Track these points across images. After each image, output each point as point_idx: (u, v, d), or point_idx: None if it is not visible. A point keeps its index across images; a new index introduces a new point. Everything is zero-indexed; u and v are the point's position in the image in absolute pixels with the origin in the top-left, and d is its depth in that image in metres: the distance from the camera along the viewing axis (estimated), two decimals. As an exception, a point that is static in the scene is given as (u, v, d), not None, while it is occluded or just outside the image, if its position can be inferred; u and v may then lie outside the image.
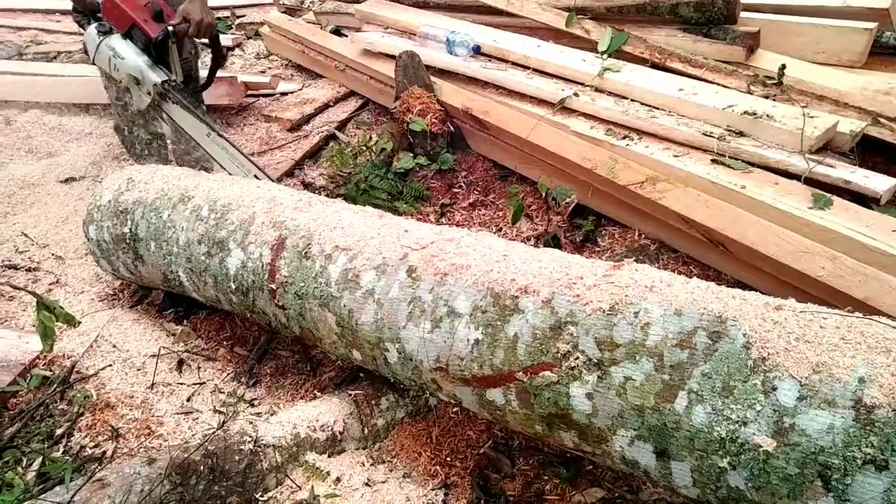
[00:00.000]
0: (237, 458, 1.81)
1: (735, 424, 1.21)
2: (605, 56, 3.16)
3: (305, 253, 1.92)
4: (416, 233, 1.82)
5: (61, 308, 1.98)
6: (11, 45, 5.93)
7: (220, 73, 4.52)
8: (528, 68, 3.30)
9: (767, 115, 2.52)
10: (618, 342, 1.37)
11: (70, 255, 3.15)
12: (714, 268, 2.41)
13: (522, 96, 3.18)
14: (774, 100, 2.68)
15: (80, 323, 2.62)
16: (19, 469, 2.08)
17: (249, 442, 1.84)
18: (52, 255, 3.17)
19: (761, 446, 1.18)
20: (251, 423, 1.92)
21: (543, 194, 2.44)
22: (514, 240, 2.89)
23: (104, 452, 2.09)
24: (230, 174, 2.69)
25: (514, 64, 3.38)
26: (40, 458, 1.95)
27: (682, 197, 2.33)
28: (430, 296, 1.66)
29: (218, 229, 2.17)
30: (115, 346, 2.50)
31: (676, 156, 2.55)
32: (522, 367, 1.49)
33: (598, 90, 3.01)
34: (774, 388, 1.19)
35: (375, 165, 3.23)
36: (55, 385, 2.35)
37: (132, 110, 3.04)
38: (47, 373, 2.44)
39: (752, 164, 2.42)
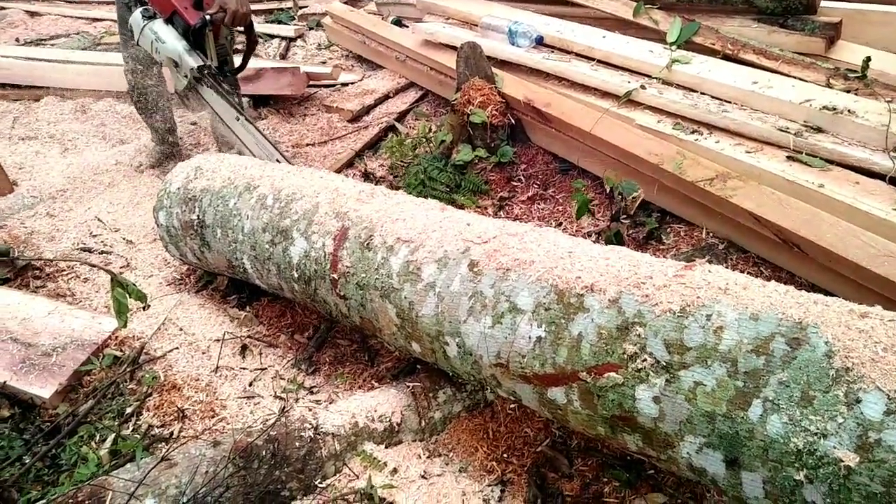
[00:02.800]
0: (298, 444, 1.84)
1: (814, 437, 1.15)
2: (673, 47, 3.06)
3: (367, 244, 1.94)
4: (479, 227, 1.80)
5: (134, 286, 2.06)
6: (87, 36, 6.19)
7: (283, 64, 4.61)
8: (593, 60, 3.23)
9: (849, 111, 2.39)
10: (688, 345, 1.33)
11: (140, 240, 3.27)
12: (788, 270, 2.31)
13: (586, 88, 3.11)
14: (856, 94, 2.54)
15: (149, 305, 2.73)
16: (93, 444, 2.18)
17: (310, 429, 1.87)
18: (124, 239, 3.29)
19: (842, 461, 1.12)
20: (311, 410, 1.95)
21: (609, 189, 2.38)
22: (576, 236, 2.85)
23: (171, 433, 2.17)
24: (255, 156, 2.89)
25: (578, 55, 3.32)
26: (112, 436, 2.03)
27: (755, 195, 2.24)
28: (491, 291, 1.64)
29: (282, 218, 2.20)
30: (181, 329, 2.59)
31: (749, 152, 2.45)
32: (586, 366, 1.46)
33: (665, 83, 2.92)
34: (858, 401, 1.13)
35: (434, 157, 3.22)
36: (125, 365, 2.45)
37: (170, 90, 3.23)
38: (118, 353, 2.55)
39: (831, 162, 2.30)
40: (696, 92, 2.80)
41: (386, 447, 1.95)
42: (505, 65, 3.46)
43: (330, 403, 2.09)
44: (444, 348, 1.78)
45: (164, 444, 2.13)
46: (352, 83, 4.65)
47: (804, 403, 1.18)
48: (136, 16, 2.96)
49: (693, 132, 2.62)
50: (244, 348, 2.45)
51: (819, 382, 1.18)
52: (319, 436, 1.87)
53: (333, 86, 4.69)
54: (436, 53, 3.88)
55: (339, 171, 3.63)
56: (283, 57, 5.40)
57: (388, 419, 1.95)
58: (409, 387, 2.03)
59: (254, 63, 4.75)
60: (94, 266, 2.29)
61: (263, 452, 1.78)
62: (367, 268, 1.92)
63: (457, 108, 3.22)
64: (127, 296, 2.04)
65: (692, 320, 1.34)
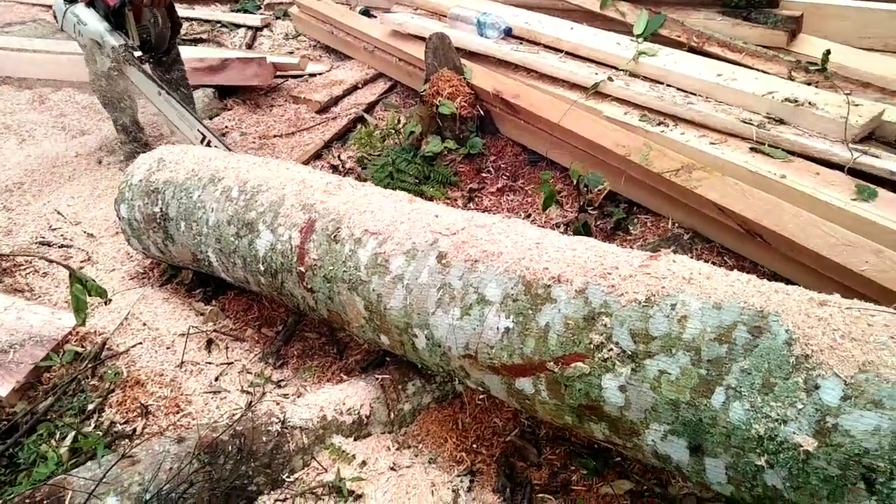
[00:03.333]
0: (265, 438, 1.82)
1: (774, 423, 1.18)
2: (640, 39, 3.08)
3: (335, 236, 1.91)
4: (447, 218, 1.79)
5: (93, 282, 2.00)
6: (44, 24, 5.99)
7: (249, 54, 4.53)
8: (561, 51, 3.24)
9: (809, 103, 2.44)
10: (653, 335, 1.34)
11: (101, 233, 3.19)
12: (751, 259, 2.35)
13: (555, 80, 3.12)
14: (817, 86, 2.60)
15: (111, 300, 2.66)
16: (53, 442, 2.12)
17: (277, 423, 1.85)
18: (84, 232, 3.21)
19: (802, 446, 1.14)
20: (279, 404, 1.92)
21: (575, 181, 2.39)
22: (544, 227, 2.86)
23: (134, 429, 2.12)
24: (179, 129, 3.19)
25: (546, 47, 3.33)
26: (73, 434, 1.98)
27: (719, 186, 2.27)
28: (460, 282, 1.64)
29: (247, 210, 2.17)
30: (145, 324, 2.53)
31: (713, 143, 2.48)
32: (553, 357, 1.46)
33: (632, 75, 2.95)
34: (817, 387, 1.15)
35: (403, 149, 3.20)
36: (87, 361, 2.39)
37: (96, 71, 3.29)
38: (79, 349, 2.48)
39: (793, 154, 2.34)
40: (663, 84, 2.83)
41: (355, 440, 1.93)
42: (474, 56, 3.45)
43: (298, 397, 2.07)
44: (413, 340, 1.77)
45: (127, 441, 2.09)
46: (319, 74, 4.60)
47: (765, 390, 1.20)
48: (58, 1, 3.11)
49: (659, 124, 2.65)
50: (209, 343, 2.41)
51: (779, 370, 1.20)
52: (287, 430, 1.85)
53: (301, 76, 4.62)
54: (404, 44, 3.85)
55: (306, 162, 3.59)
56: (250, 47, 5.31)
57: (356, 412, 1.93)
58: (377, 379, 2.02)
59: (219, 53, 4.67)
60: (52, 261, 2.22)
61: (229, 448, 1.75)
62: (334, 260, 1.90)
63: (426, 99, 3.20)
64: (86, 292, 2.00)
65: (657, 310, 1.35)
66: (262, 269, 2.13)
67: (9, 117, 4.59)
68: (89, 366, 2.37)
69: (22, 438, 2.15)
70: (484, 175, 3.26)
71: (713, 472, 1.31)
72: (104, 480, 1.64)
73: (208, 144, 3.18)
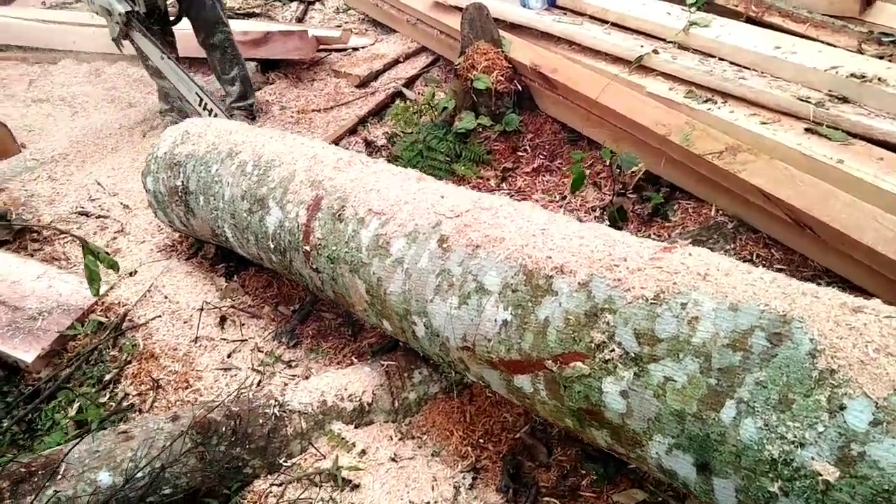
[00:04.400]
0: (261, 421, 1.77)
1: (791, 445, 1.02)
2: (693, 9, 2.84)
3: (339, 215, 1.83)
4: (453, 199, 1.68)
5: (105, 254, 2.00)
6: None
7: (290, 27, 4.48)
8: (607, 22, 3.03)
9: (879, 79, 2.17)
10: (660, 336, 1.20)
11: (136, 205, 3.22)
12: (800, 253, 2.13)
13: (597, 53, 2.92)
14: (890, 60, 2.31)
15: (136, 272, 2.68)
16: (69, 411, 2.15)
17: (275, 406, 1.80)
18: (121, 203, 3.25)
19: (821, 474, 0.99)
20: (278, 386, 1.87)
21: (608, 161, 2.22)
22: (577, 211, 2.69)
23: (143, 403, 2.13)
24: (180, 92, 3.40)
25: (592, 17, 3.12)
26: (78, 405, 1.99)
27: (766, 170, 2.05)
28: (459, 269, 1.53)
29: (259, 186, 2.11)
30: (166, 297, 2.54)
31: (765, 123, 2.25)
32: (552, 354, 1.34)
33: (681, 47, 2.72)
34: (843, 407, 0.99)
35: (436, 125, 3.08)
36: (108, 331, 2.41)
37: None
38: (103, 319, 2.51)
39: (854, 136, 2.09)
40: (714, 57, 2.60)
41: (356, 427, 1.86)
42: (515, 28, 3.27)
43: (304, 379, 2.01)
44: (413, 328, 1.67)
45: (137, 414, 2.09)
46: (363, 47, 4.50)
47: (782, 407, 1.04)
48: None
49: (706, 101, 2.43)
50: (223, 319, 2.38)
51: (800, 384, 1.04)
52: (285, 413, 1.80)
53: (344, 50, 4.54)
54: (445, 16, 3.70)
55: (340, 138, 3.52)
56: (300, 20, 5.26)
57: (358, 398, 1.86)
58: (383, 365, 1.94)
59: (262, 26, 4.64)
60: (62, 232, 2.21)
61: (223, 429, 1.71)
62: (337, 240, 1.81)
63: (460, 73, 3.06)
64: (98, 263, 2.00)
65: (665, 308, 1.21)
66: (272, 246, 2.08)
67: (65, 90, 4.73)
68: (110, 336, 2.40)
69: (41, 405, 2.20)
70: (519, 154, 3.10)
71: (722, 493, 1.16)
72: (97, 454, 1.63)
73: (206, 107, 3.34)
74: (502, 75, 3.04)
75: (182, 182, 2.45)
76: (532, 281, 1.40)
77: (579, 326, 1.30)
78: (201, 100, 3.34)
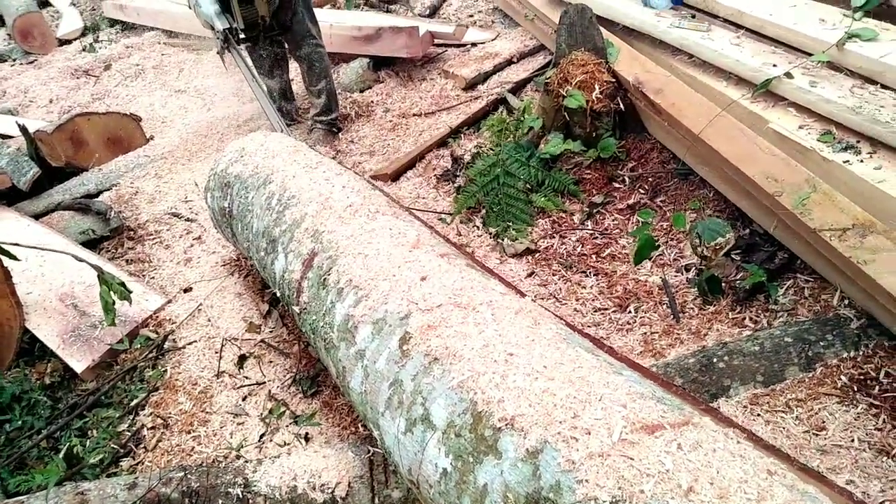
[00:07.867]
0: (221, 502, 1.60)
1: None
2: (857, 15, 2.17)
3: (324, 280, 1.58)
4: (431, 285, 1.35)
5: (119, 284, 1.95)
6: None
7: (402, 23, 4.24)
8: (741, 28, 2.43)
9: None
10: (602, 576, 0.80)
11: (220, 211, 3.22)
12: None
13: (719, 71, 2.35)
14: None
15: (190, 289, 2.66)
16: (93, 433, 2.15)
17: (240, 486, 1.62)
18: (209, 207, 3.28)
19: None
20: (249, 462, 1.69)
21: (686, 230, 1.72)
22: (669, 266, 2.19)
23: (153, 437, 2.07)
24: (264, 109, 3.28)
25: (725, 21, 2.53)
26: (66, 446, 1.97)
27: (908, 263, 1.46)
28: (412, 384, 1.21)
29: (276, 225, 1.93)
30: (209, 320, 2.48)
31: (925, 188, 1.61)
32: (484, 539, 0.99)
33: (832, 67, 2.08)
34: None
35: (519, 146, 2.70)
36: (148, 351, 2.40)
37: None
38: (153, 334, 2.51)
39: None
40: (875, 84, 1.95)
41: (327, 523, 1.63)
42: (629, 33, 2.77)
43: (286, 455, 1.81)
44: (374, 432, 1.39)
45: (143, 451, 2.04)
46: (480, 43, 4.17)
47: None
48: None
49: (846, 149, 1.81)
50: (243, 358, 2.25)
51: None
52: (249, 495, 1.61)
53: (462, 46, 4.24)
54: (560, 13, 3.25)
55: (428, 150, 3.26)
56: (437, 8, 5.04)
57: (330, 490, 1.62)
58: (369, 452, 1.67)
59: (378, 20, 4.47)
60: (80, 260, 2.16)
61: (176, 508, 1.56)
62: (318, 309, 1.57)
63: (550, 87, 2.64)
64: (110, 293, 1.95)
65: (615, 537, 0.81)
66: (277, 292, 1.89)
67: (203, 81, 4.97)
68: (150, 357, 2.38)
69: (72, 422, 2.23)
70: (615, 185, 2.63)
71: None
72: (53, 514, 1.56)
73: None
74: (602, 91, 2.57)
75: (227, 204, 2.34)
76: (478, 429, 1.05)
77: (514, 516, 0.94)
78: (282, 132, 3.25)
